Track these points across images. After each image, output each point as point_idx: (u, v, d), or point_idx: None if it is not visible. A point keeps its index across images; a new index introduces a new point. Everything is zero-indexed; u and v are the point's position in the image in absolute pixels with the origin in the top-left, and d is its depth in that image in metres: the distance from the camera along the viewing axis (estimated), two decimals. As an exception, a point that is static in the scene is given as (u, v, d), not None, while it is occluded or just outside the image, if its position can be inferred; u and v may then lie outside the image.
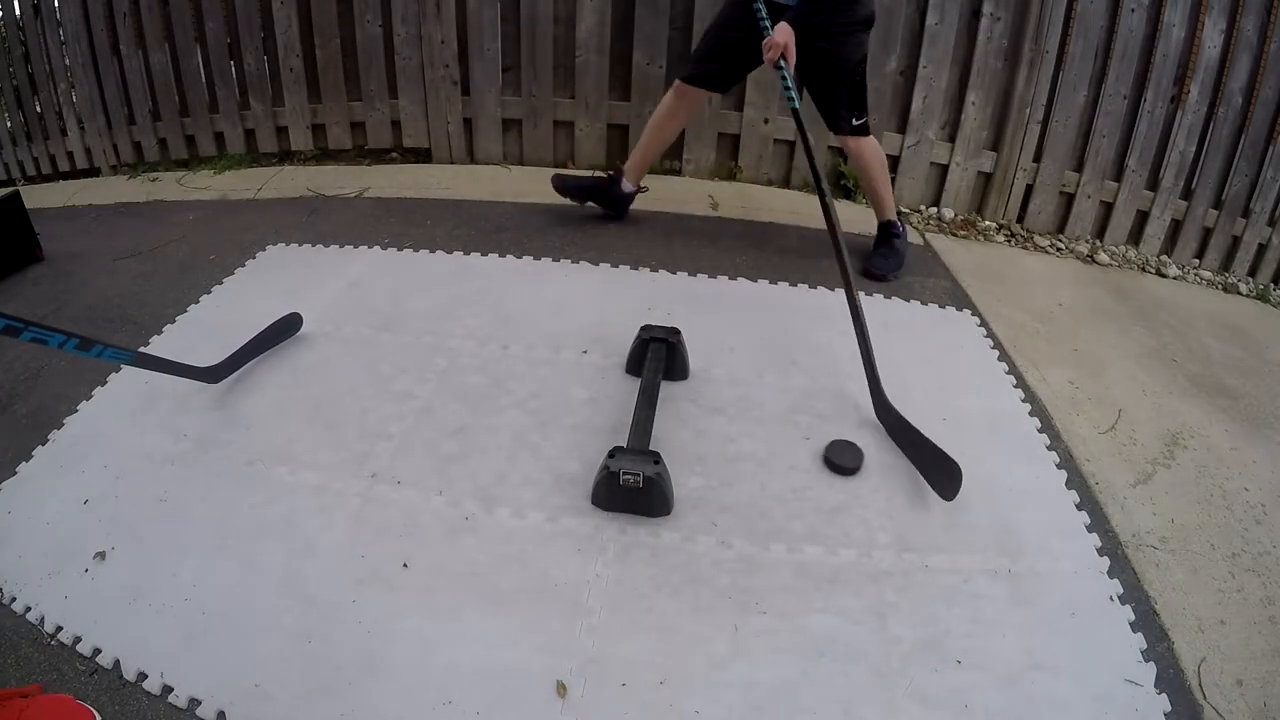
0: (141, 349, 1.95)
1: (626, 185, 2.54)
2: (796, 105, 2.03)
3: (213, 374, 1.72)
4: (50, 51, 3.52)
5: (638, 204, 2.78)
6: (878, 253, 2.39)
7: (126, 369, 1.87)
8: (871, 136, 2.29)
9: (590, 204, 2.59)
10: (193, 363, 1.68)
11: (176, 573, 1.34)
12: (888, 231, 2.41)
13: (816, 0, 2.03)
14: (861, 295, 2.23)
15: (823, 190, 1.92)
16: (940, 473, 1.51)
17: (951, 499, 1.49)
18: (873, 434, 1.69)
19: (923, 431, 1.59)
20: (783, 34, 1.99)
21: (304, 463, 1.57)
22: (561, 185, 2.55)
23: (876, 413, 1.72)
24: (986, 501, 1.53)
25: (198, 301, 2.17)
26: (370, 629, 1.24)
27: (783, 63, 2.00)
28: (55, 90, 3.62)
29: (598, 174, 2.77)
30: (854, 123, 2.22)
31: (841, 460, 1.58)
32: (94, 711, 1.12)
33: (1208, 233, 2.98)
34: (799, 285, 2.27)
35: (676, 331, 1.78)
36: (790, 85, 2.01)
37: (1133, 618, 1.34)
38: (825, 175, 2.02)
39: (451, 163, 3.18)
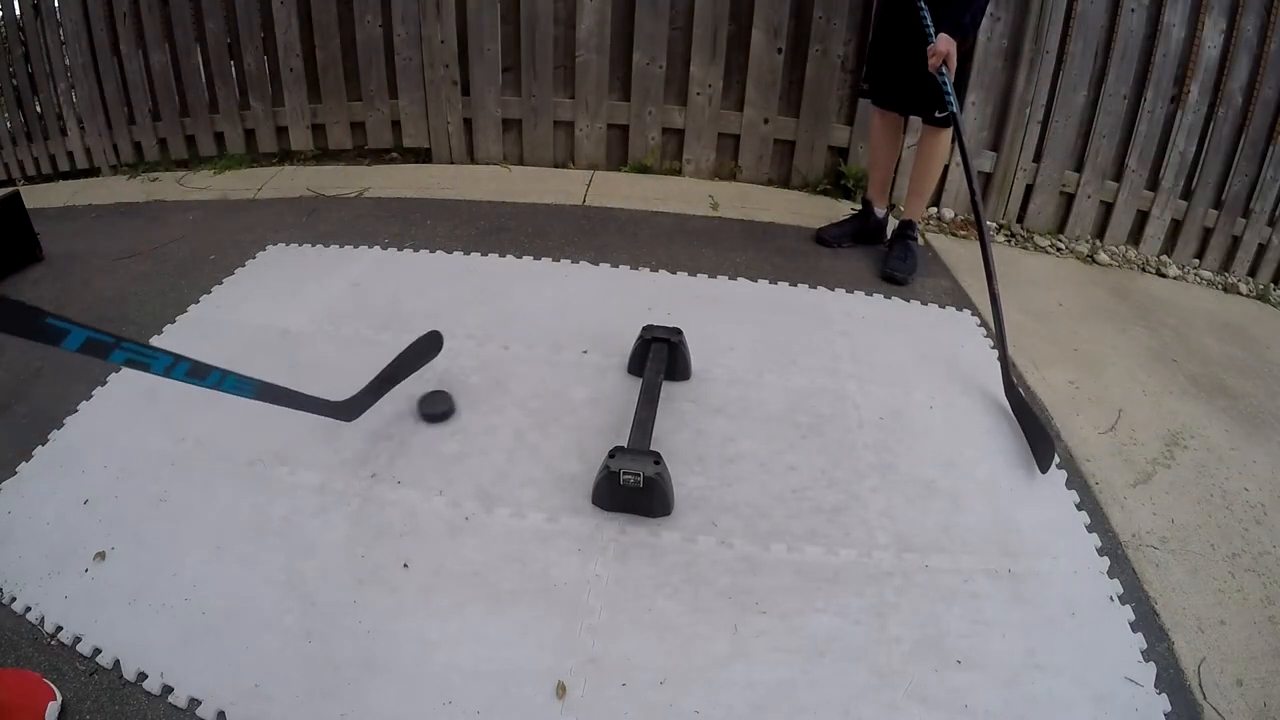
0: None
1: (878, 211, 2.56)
2: (956, 110, 2.04)
3: (347, 410, 1.57)
4: (50, 51, 3.52)
5: (638, 204, 2.79)
6: (895, 253, 2.39)
7: (127, 370, 1.87)
8: (948, 131, 2.28)
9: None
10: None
11: (176, 573, 1.34)
12: (905, 232, 2.42)
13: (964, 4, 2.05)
14: (860, 294, 2.25)
15: (977, 203, 1.99)
16: (1040, 443, 1.63)
17: (1045, 470, 1.61)
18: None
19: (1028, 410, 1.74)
20: (945, 43, 2.02)
21: (304, 463, 1.57)
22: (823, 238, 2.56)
23: (1005, 392, 1.82)
24: (986, 501, 1.53)
25: (198, 301, 2.16)
26: (370, 629, 1.25)
27: (944, 69, 2.03)
28: (55, 90, 3.62)
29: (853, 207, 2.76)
30: (937, 115, 2.22)
31: (432, 409, 1.65)
32: (55, 690, 1.14)
33: (1208, 233, 2.98)
34: (799, 285, 2.27)
35: (678, 331, 1.78)
36: (950, 92, 2.03)
37: (1133, 618, 1.34)
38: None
39: (451, 163, 3.18)
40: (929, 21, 2.05)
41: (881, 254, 2.47)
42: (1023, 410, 1.75)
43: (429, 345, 1.74)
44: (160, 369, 1.12)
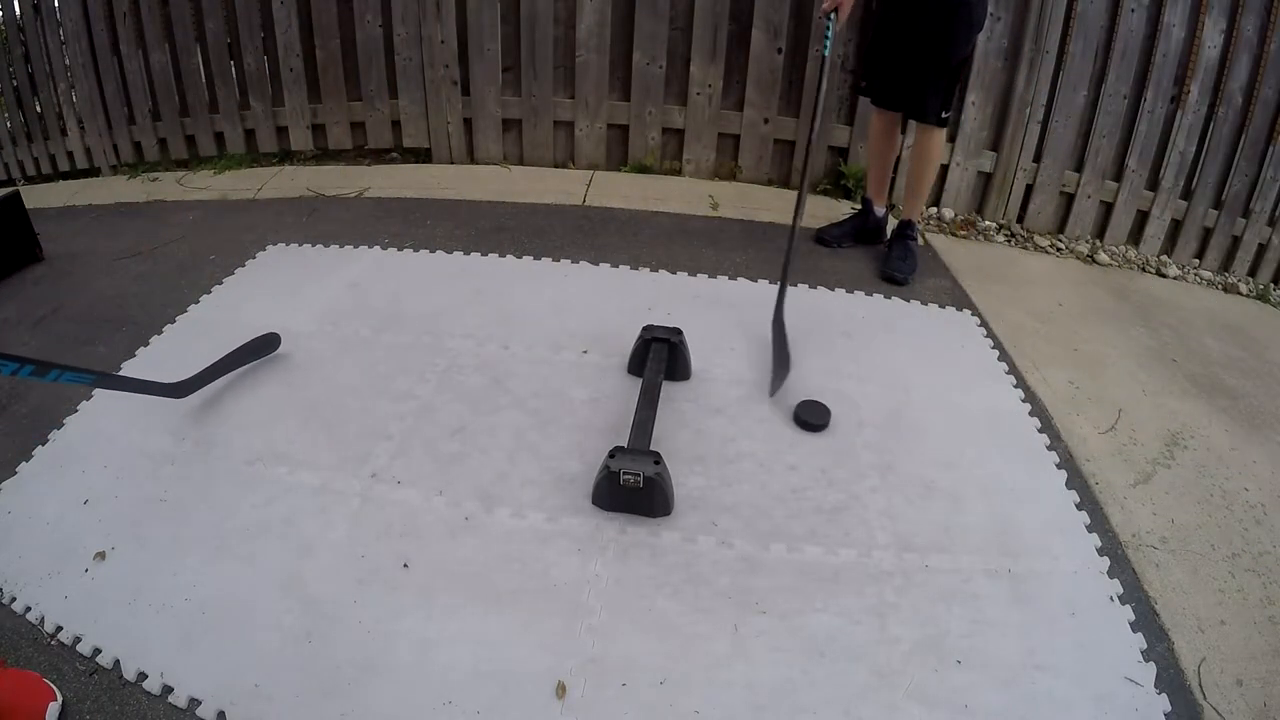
0: (141, 349, 1.96)
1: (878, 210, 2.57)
2: (826, 54, 2.07)
3: (180, 390, 1.64)
4: (50, 51, 3.52)
5: (638, 204, 2.79)
6: (894, 254, 2.39)
7: (126, 368, 1.88)
8: (943, 132, 2.31)
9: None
10: (186, 365, 1.67)
11: (176, 573, 1.34)
12: (905, 232, 2.42)
13: None
14: (860, 294, 2.25)
15: (808, 154, 2.10)
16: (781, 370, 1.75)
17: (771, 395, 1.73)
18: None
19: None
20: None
21: (304, 463, 1.57)
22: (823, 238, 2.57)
23: (774, 319, 1.92)
24: (986, 501, 1.53)
25: (198, 301, 2.17)
26: (370, 629, 1.24)
27: (833, 16, 2.08)
28: (55, 90, 3.62)
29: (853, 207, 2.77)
30: (942, 115, 2.24)
31: (810, 418, 1.67)
32: (56, 690, 1.14)
33: (1208, 233, 2.98)
34: (799, 285, 2.27)
35: (679, 331, 1.78)
36: (830, 38, 2.07)
37: (1133, 618, 1.34)
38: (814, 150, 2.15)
39: (451, 163, 3.18)
40: None
41: (881, 254, 2.47)
42: (780, 341, 1.87)
43: (266, 343, 1.86)
44: (8, 372, 1.28)
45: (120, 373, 1.86)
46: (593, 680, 1.18)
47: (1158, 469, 1.71)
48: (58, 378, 1.34)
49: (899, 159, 2.63)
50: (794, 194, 2.95)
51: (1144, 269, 2.87)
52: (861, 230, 2.55)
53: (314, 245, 2.47)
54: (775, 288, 2.25)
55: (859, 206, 2.61)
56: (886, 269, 2.35)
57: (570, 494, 1.50)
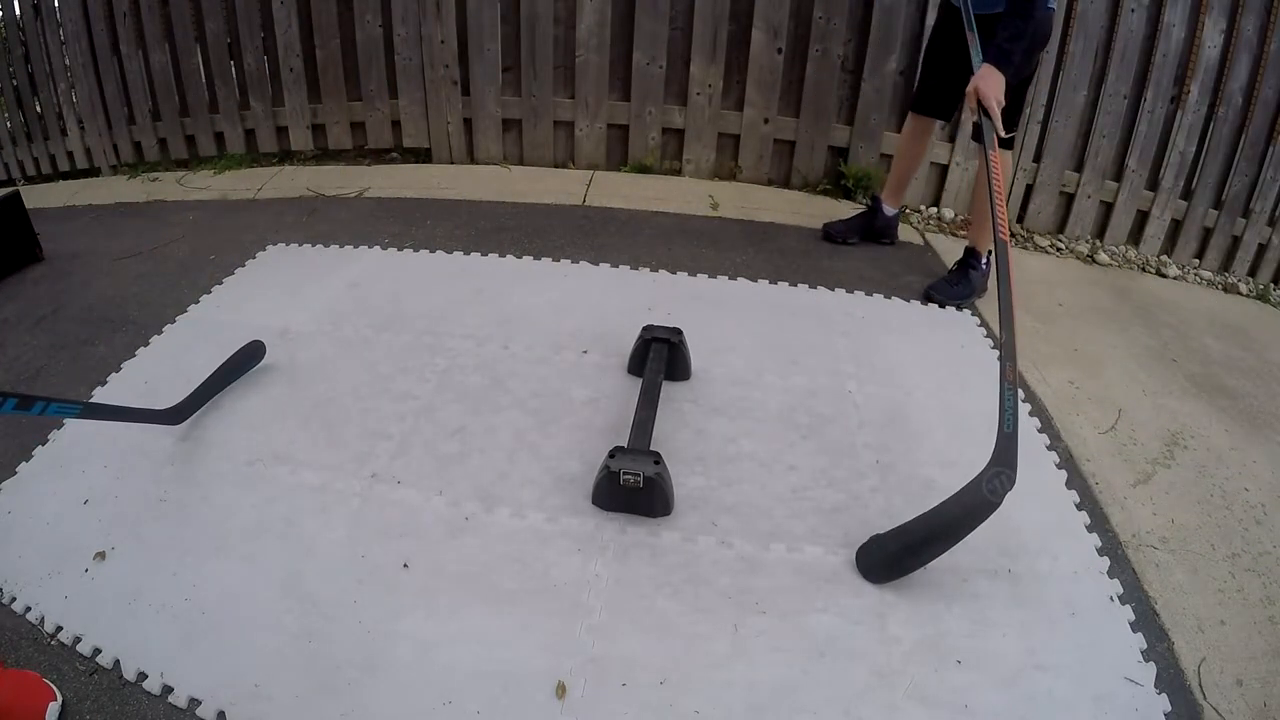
0: (141, 349, 1.96)
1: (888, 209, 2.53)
2: (988, 148, 1.80)
3: (175, 415, 1.61)
4: (50, 51, 3.52)
5: (638, 204, 2.79)
6: (947, 276, 2.30)
7: (127, 368, 1.88)
8: (1008, 153, 2.14)
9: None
10: (185, 366, 1.67)
11: (176, 573, 1.34)
12: (967, 260, 2.30)
13: (1015, 28, 1.86)
14: (860, 294, 2.25)
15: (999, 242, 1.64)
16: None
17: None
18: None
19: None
20: (985, 80, 1.82)
21: (304, 463, 1.57)
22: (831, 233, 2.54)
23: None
24: (986, 501, 1.53)
25: (198, 301, 2.16)
26: (370, 629, 1.24)
27: (986, 113, 1.84)
28: (55, 90, 3.62)
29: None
30: (1004, 135, 2.01)
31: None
32: (56, 690, 1.14)
33: (1208, 233, 2.98)
34: (799, 285, 2.27)
35: (679, 331, 1.78)
36: (989, 136, 1.80)
37: (1133, 618, 1.34)
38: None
39: (451, 163, 3.18)
40: (977, 50, 1.88)
41: (883, 252, 2.47)
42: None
43: (251, 354, 1.81)
44: None
45: (120, 373, 1.86)
46: (593, 680, 1.18)
47: (1158, 469, 1.71)
48: (43, 410, 1.28)
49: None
50: (794, 194, 2.98)
51: (1144, 269, 2.87)
52: (869, 228, 2.54)
53: (314, 245, 2.47)
54: (775, 288, 2.25)
55: (860, 207, 2.61)
56: (931, 287, 2.27)
57: (570, 494, 1.49)
